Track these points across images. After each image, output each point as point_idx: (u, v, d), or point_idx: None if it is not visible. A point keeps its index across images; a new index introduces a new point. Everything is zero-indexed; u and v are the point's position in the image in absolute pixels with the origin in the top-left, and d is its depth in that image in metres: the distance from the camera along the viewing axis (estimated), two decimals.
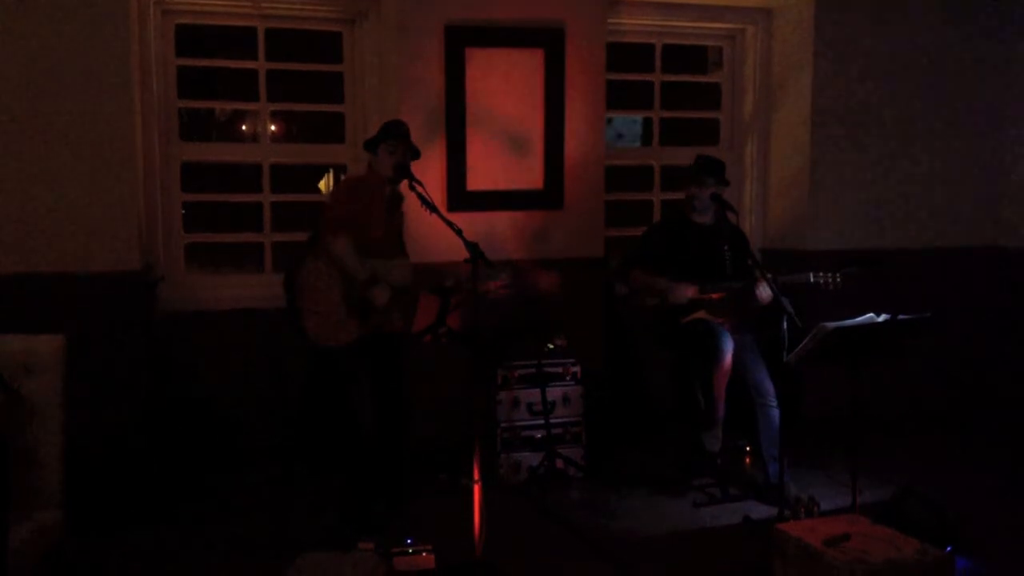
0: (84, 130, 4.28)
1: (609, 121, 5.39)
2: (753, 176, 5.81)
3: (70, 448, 2.96)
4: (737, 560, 3.66)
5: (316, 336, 3.86)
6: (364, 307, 3.88)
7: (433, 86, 4.86)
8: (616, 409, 5.19)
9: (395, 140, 3.99)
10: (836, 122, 5.43)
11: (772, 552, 3.26)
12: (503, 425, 4.55)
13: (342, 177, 5.26)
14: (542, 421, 4.55)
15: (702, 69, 6.13)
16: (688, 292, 4.37)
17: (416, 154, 4.10)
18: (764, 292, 4.14)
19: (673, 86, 5.75)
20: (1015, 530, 3.91)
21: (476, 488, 3.32)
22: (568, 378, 4.67)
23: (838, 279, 4.10)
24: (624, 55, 5.59)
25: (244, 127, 9.08)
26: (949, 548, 3.31)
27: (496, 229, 4.88)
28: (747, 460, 4.79)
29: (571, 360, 4.69)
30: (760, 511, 4.11)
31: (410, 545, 3.45)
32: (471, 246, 3.61)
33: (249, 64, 4.97)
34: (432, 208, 3.84)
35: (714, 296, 4.37)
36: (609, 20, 5.22)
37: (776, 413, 4.24)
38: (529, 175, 5.05)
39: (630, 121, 8.87)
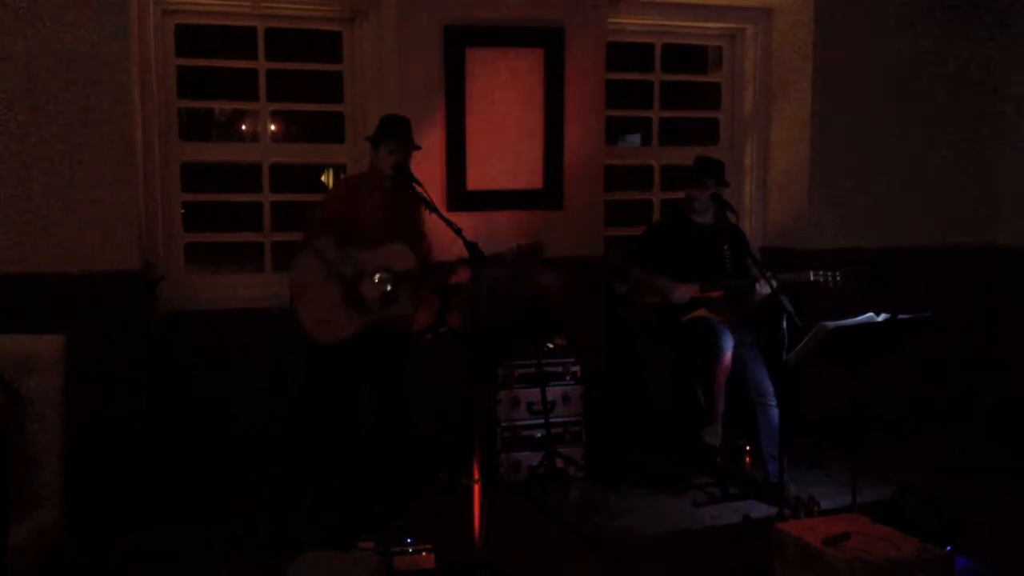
0: (84, 130, 4.28)
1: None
2: (753, 175, 5.81)
3: (70, 448, 2.96)
4: (737, 559, 3.66)
5: (312, 333, 3.87)
6: (359, 302, 3.89)
7: (433, 86, 4.86)
8: (616, 408, 5.19)
9: (396, 141, 4.01)
10: (836, 122, 5.43)
11: (772, 551, 3.26)
12: (503, 424, 4.55)
13: (341, 175, 5.27)
14: (542, 420, 4.55)
15: (702, 69, 6.13)
16: (689, 291, 4.37)
17: (416, 147, 4.13)
18: (764, 289, 4.15)
19: (673, 86, 5.75)
20: (1015, 530, 3.91)
21: (476, 488, 3.32)
22: (568, 377, 4.67)
23: (838, 277, 4.10)
24: (624, 55, 5.59)
25: (244, 127, 9.09)
26: (949, 547, 3.31)
27: (496, 229, 4.88)
28: (747, 459, 4.79)
29: (571, 359, 4.69)
30: (760, 510, 4.11)
31: (410, 545, 3.44)
32: (471, 246, 3.61)
33: (249, 64, 4.96)
34: (432, 208, 3.85)
35: (714, 295, 4.37)
36: (609, 20, 5.22)
37: (776, 412, 4.24)
38: (529, 175, 5.05)
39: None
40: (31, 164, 4.23)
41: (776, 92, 5.68)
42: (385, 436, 3.99)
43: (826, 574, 2.98)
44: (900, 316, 3.49)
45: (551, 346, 4.70)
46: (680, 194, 4.90)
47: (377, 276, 3.88)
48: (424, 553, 3.42)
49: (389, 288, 3.89)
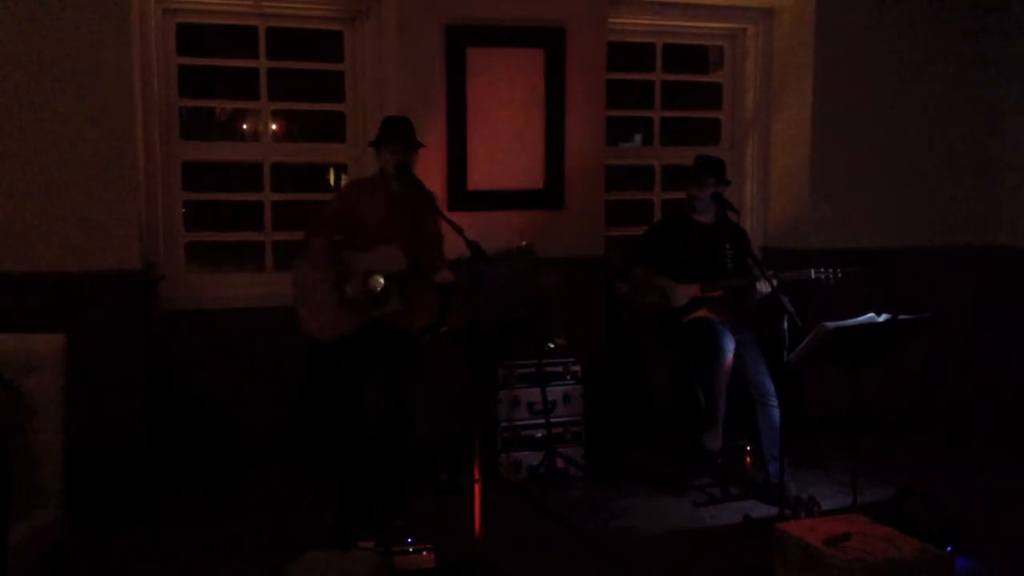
0: (84, 129, 4.28)
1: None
2: (754, 175, 5.81)
3: (70, 448, 2.96)
4: (737, 560, 3.66)
5: (311, 330, 3.89)
6: (350, 302, 3.90)
7: (433, 85, 4.86)
8: (616, 408, 5.19)
9: (397, 142, 4.04)
10: (836, 121, 5.42)
11: (772, 552, 3.26)
12: (503, 424, 4.55)
13: (343, 178, 5.28)
14: (542, 420, 4.55)
15: (703, 69, 6.13)
16: (690, 291, 4.37)
17: (420, 145, 4.15)
18: (764, 288, 4.15)
19: (674, 86, 5.75)
20: (1015, 530, 3.91)
21: (476, 487, 3.32)
22: (568, 377, 4.66)
23: (839, 275, 4.10)
24: (625, 55, 5.59)
25: (245, 126, 9.07)
26: (949, 548, 3.31)
27: (497, 228, 4.87)
28: (747, 459, 4.79)
29: (571, 359, 4.69)
30: (760, 510, 4.11)
31: (410, 544, 3.44)
32: (472, 245, 3.61)
33: (250, 63, 4.96)
34: (434, 208, 3.86)
35: (715, 294, 4.37)
36: (609, 19, 5.21)
37: (776, 412, 4.24)
38: (529, 175, 5.05)
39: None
40: (31, 163, 4.23)
41: (777, 92, 5.67)
42: (386, 436, 3.99)
43: (826, 574, 2.98)
44: (901, 317, 3.49)
45: (551, 346, 4.70)
46: (681, 194, 4.90)
47: (366, 277, 3.90)
48: (424, 553, 3.42)
49: (379, 289, 3.91)
